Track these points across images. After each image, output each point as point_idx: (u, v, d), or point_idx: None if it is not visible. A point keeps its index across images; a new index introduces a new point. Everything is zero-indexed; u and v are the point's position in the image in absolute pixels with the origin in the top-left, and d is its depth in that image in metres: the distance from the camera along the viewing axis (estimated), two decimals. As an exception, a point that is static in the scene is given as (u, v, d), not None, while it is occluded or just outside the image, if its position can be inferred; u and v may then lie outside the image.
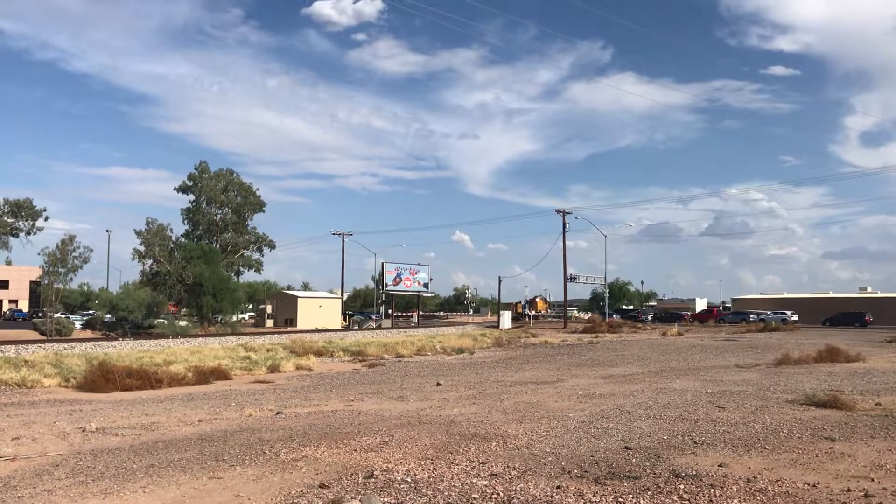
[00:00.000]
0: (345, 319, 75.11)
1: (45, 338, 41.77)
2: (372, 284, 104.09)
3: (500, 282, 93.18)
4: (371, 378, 22.17)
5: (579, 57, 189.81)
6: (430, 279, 74.36)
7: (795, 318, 68.55)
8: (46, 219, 66.12)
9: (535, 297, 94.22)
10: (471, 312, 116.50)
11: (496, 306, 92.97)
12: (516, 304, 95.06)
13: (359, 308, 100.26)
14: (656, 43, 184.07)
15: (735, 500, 6.54)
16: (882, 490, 6.92)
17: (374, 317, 79.57)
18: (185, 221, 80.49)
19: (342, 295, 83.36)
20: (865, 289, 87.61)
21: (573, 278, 72.59)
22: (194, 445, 10.07)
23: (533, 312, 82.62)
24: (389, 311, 78.97)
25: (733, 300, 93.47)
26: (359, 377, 22.72)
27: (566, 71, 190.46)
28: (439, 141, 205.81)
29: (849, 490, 6.91)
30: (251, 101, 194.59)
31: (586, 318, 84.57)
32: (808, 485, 7.13)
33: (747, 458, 8.53)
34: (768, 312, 70.88)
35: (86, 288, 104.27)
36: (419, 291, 74.27)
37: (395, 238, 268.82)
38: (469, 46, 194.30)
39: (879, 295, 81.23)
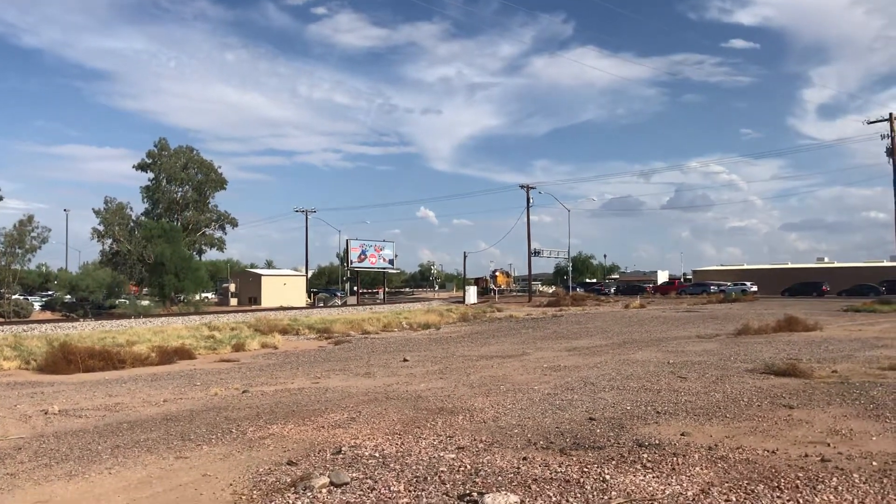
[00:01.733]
0: (310, 297, 74.70)
1: (2, 320, 40.98)
2: (337, 262, 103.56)
3: (465, 257, 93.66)
4: (337, 355, 22.13)
5: (541, 31, 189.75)
6: (396, 255, 74.20)
7: (755, 288, 69.78)
8: (1, 198, 64.52)
9: (496, 270, 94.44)
10: (436, 288, 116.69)
11: (462, 282, 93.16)
12: (482, 278, 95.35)
13: (324, 285, 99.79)
14: (617, 16, 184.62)
15: (697, 468, 6.67)
16: (838, 455, 7.11)
17: (339, 294, 79.25)
18: (145, 200, 79.26)
19: (307, 272, 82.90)
20: (823, 259, 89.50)
21: (537, 253, 73.09)
22: (160, 426, 10.00)
23: (496, 286, 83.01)
24: (355, 288, 78.73)
25: (694, 272, 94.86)
26: (325, 354, 22.66)
27: (528, 45, 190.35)
28: (402, 116, 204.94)
29: (806, 455, 7.09)
30: (209, 76, 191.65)
31: (550, 291, 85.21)
32: (768, 451, 7.30)
33: (709, 426, 8.69)
34: (728, 283, 72.04)
35: (44, 268, 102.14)
36: (384, 268, 74.10)
37: (360, 215, 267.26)
38: (430, 20, 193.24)
39: (836, 265, 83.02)
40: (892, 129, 41.61)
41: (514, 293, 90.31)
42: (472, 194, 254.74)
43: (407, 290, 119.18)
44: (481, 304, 59.02)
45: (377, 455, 7.57)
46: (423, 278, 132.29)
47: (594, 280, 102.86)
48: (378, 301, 72.91)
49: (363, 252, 70.62)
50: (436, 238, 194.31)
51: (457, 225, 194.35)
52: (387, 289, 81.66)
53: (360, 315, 40.58)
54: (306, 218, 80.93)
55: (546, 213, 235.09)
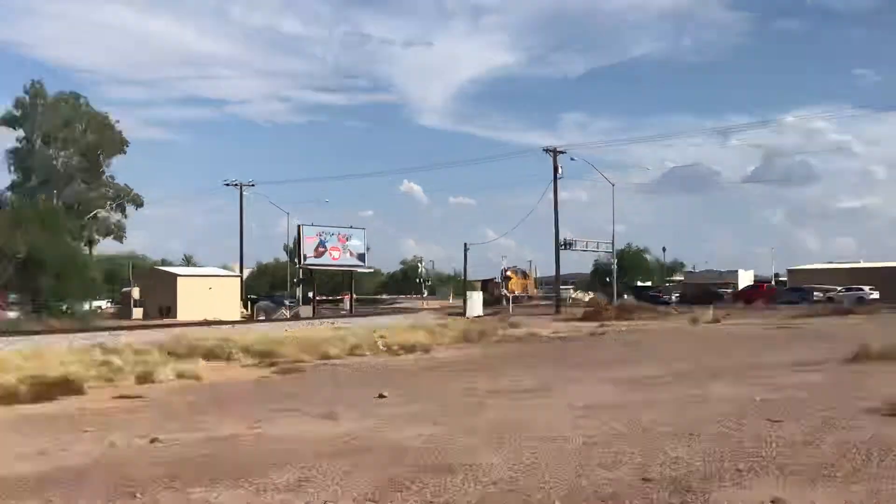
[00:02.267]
0: (246, 307, 74.66)
1: None
2: (285, 257, 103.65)
3: (466, 251, 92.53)
4: (286, 389, 21.99)
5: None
6: (368, 248, 74.32)
7: (876, 295, 69.61)
8: None
9: (509, 269, 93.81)
10: (425, 294, 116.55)
11: (462, 285, 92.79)
12: (490, 281, 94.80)
13: (266, 291, 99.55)
14: None
15: (795, 550, 6.66)
16: None
17: (287, 303, 79.11)
18: (13, 168, 79.11)
19: (241, 272, 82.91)
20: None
21: (568, 245, 73.15)
22: (34, 492, 9.94)
23: (510, 292, 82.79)
24: (310, 295, 78.70)
25: (790, 272, 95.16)
26: (268, 389, 22.53)
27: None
28: (377, 50, 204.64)
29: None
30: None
31: (587, 299, 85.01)
32: (895, 527, 7.28)
33: (810, 491, 8.67)
34: (839, 289, 72.02)
35: None
36: (352, 266, 74.11)
37: (317, 190, 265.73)
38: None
39: None
40: None
41: (536, 302, 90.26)
42: (477, 162, 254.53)
43: (385, 297, 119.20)
44: (489, 318, 59.11)
45: (343, 531, 7.54)
46: (405, 280, 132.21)
47: (648, 283, 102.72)
48: (343, 312, 72.96)
49: (322, 243, 70.59)
50: (425, 224, 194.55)
51: (454, 205, 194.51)
52: (356, 295, 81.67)
53: (319, 333, 40.46)
54: (241, 194, 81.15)
55: (581, 189, 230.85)
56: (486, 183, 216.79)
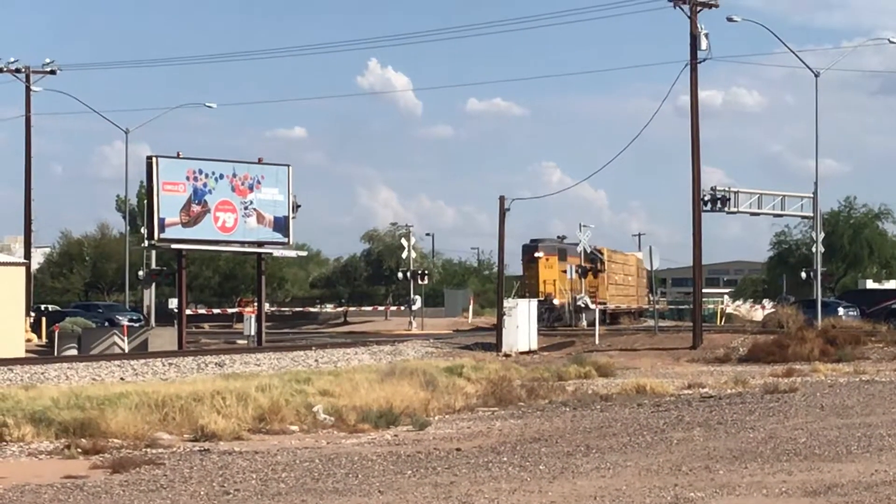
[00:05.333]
0: (39, 327, 51.88)
1: None
2: (121, 224, 70.59)
3: (503, 212, 50.13)
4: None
5: None
6: (296, 208, 46.82)
7: None
8: None
9: (538, 244, 58.99)
10: (416, 304, 68.79)
11: (495, 285, 57.97)
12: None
13: (81, 297, 70.44)
14: None
15: None
16: None
17: (124, 319, 53.69)
18: None
19: (28, 255, 57.28)
20: None
21: (721, 201, 46.14)
22: None
23: (588, 298, 54.34)
24: (174, 304, 50.76)
25: None
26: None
27: None
28: None
29: None
30: None
31: (758, 316, 59.25)
32: None
33: None
34: None
35: None
36: (263, 242, 45.57)
37: (188, 85, 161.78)
38: None
39: None
40: None
41: (646, 315, 63.22)
42: (526, 24, 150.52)
43: (330, 308, 77.95)
44: (551, 351, 42.40)
45: None
46: (374, 275, 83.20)
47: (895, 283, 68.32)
48: (243, 342, 50.51)
49: (198, 195, 43.77)
50: (417, 157, 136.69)
51: (479, 115, 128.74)
52: (271, 307, 57.55)
53: (189, 384, 26.59)
54: (27, 92, 56.67)
55: (740, 84, 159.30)
56: (545, 70, 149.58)
